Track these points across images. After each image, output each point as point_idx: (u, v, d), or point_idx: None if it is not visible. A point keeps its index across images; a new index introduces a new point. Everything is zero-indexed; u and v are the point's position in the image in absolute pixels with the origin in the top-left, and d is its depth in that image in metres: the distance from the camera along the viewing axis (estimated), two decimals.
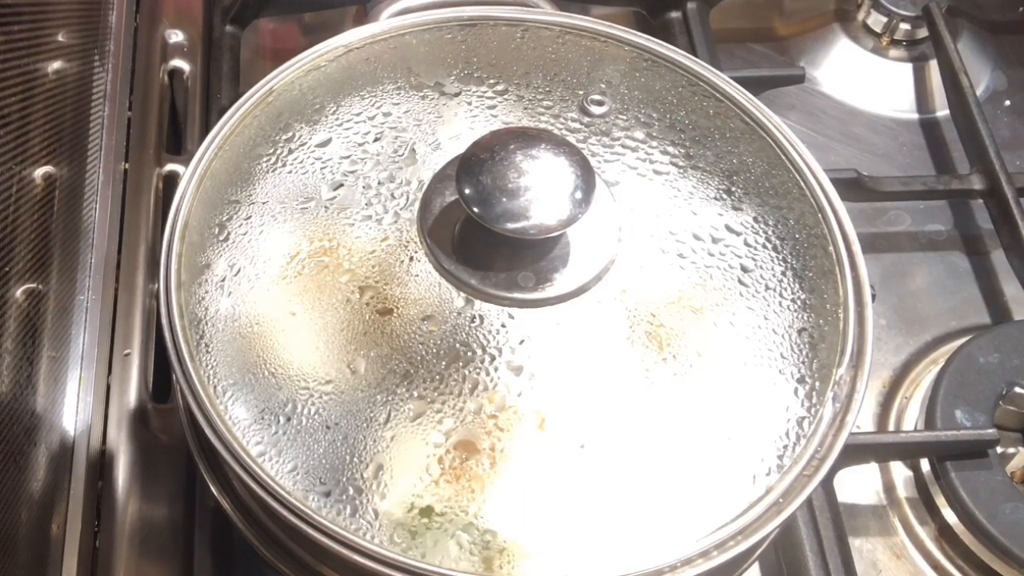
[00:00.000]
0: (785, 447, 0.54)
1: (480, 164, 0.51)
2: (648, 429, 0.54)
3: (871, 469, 0.63)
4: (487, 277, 0.53)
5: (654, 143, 0.62)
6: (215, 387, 0.53)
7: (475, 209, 0.50)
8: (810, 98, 0.80)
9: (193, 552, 0.55)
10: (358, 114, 0.61)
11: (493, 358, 0.55)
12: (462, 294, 0.54)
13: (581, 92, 0.59)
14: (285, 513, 0.43)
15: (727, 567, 0.46)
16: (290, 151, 0.60)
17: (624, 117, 0.60)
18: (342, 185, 0.60)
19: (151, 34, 0.73)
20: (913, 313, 0.70)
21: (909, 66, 0.83)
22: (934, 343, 0.68)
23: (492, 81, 0.61)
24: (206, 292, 0.56)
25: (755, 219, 0.61)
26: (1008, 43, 0.85)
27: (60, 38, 0.61)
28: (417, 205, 0.56)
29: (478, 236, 0.52)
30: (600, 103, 0.59)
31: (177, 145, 0.70)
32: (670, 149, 0.62)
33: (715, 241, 0.60)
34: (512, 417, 0.53)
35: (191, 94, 0.72)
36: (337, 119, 0.61)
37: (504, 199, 0.50)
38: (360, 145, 0.62)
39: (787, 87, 0.75)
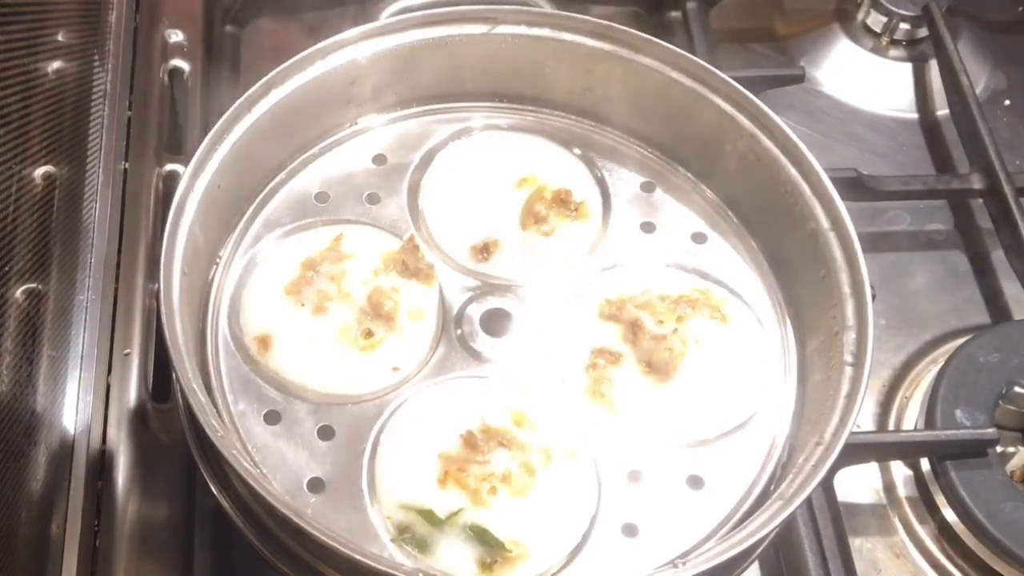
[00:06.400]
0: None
1: None
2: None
3: (871, 469, 0.63)
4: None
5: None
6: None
7: None
8: (810, 98, 0.80)
9: (193, 552, 0.55)
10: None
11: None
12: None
13: None
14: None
15: (727, 567, 0.46)
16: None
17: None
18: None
19: (151, 34, 0.73)
20: (913, 313, 0.70)
21: (909, 66, 0.83)
22: (934, 343, 0.68)
23: None
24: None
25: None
26: (1008, 43, 0.85)
27: (60, 38, 0.61)
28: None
29: None
30: None
31: (177, 145, 0.70)
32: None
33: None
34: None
35: (191, 94, 0.72)
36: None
37: None
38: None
39: (787, 87, 0.75)
